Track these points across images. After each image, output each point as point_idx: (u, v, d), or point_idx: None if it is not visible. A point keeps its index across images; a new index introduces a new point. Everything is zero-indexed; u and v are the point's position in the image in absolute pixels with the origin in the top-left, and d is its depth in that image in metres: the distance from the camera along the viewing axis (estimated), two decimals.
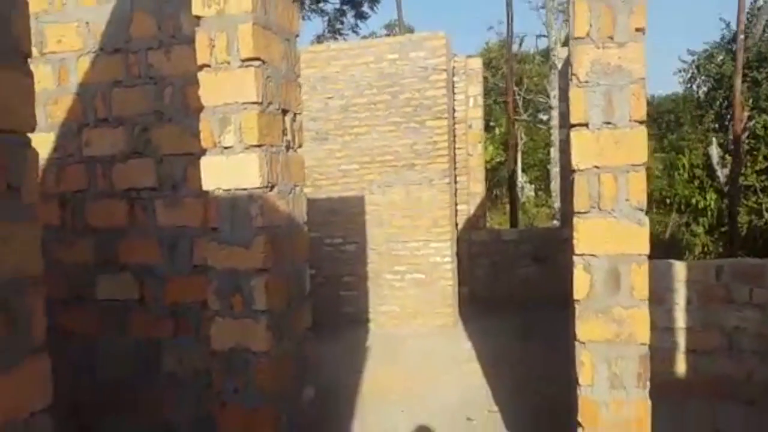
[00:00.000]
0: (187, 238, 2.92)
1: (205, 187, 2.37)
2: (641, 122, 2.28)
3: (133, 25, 2.91)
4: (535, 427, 3.96)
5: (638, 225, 2.27)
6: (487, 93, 18.44)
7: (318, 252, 6.81)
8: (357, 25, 26.93)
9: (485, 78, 17.04)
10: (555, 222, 14.06)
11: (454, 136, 7.85)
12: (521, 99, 20.30)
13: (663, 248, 10.84)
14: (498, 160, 19.07)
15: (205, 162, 2.37)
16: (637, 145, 2.27)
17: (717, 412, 4.13)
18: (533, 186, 21.36)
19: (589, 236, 2.32)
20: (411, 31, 22.51)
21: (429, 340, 6.18)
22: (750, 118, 11.59)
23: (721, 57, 12.07)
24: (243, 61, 2.28)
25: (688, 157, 12.78)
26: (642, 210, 2.29)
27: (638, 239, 2.27)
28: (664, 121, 17.21)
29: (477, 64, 8.20)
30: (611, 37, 2.28)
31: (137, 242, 3.01)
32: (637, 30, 2.26)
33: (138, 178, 2.98)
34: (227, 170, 2.32)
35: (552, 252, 7.61)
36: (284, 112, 2.51)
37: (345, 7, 27.15)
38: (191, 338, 2.96)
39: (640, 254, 2.28)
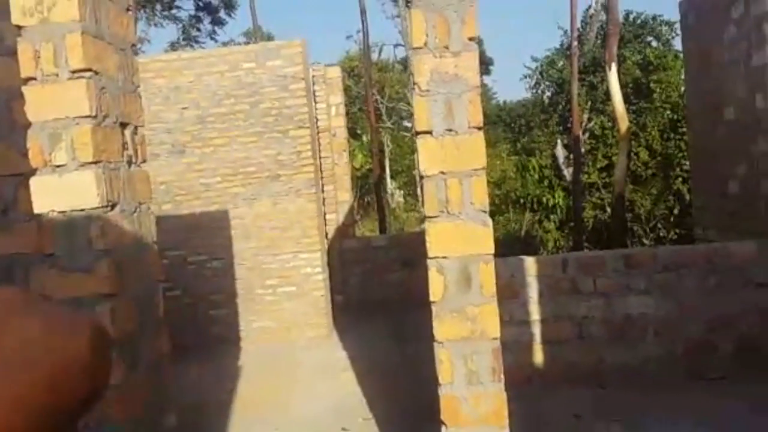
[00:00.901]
0: (21, 266, 2.67)
1: (37, 210, 2.18)
2: (479, 128, 2.41)
3: None
4: (409, 430, 4.05)
5: (483, 226, 2.40)
6: (351, 101, 18.70)
7: (182, 271, 6.52)
8: (215, 32, 26.15)
9: (348, 86, 17.24)
10: (423, 226, 14.52)
11: (319, 145, 7.86)
12: (384, 107, 20.80)
13: (520, 245, 11.57)
14: (368, 167, 19.37)
15: (35, 182, 2.18)
16: (476, 150, 2.40)
17: (574, 398, 4.45)
18: (402, 192, 21.92)
19: (440, 239, 2.41)
20: (270, 38, 22.27)
21: (304, 353, 6.12)
22: (589, 119, 12.72)
23: (561, 63, 13.14)
24: (73, 72, 2.13)
25: (537, 158, 13.76)
26: (485, 212, 2.42)
27: (484, 240, 2.40)
28: (516, 125, 18.37)
29: (336, 72, 8.29)
30: (447, 47, 2.39)
31: None
32: (470, 39, 2.39)
33: None
34: (61, 190, 2.15)
35: (420, 256, 7.82)
36: (123, 125, 2.37)
37: (200, 14, 26.27)
38: None
39: (486, 254, 2.40)
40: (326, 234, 7.71)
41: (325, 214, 7.71)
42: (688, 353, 4.60)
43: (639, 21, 13.42)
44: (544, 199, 13.14)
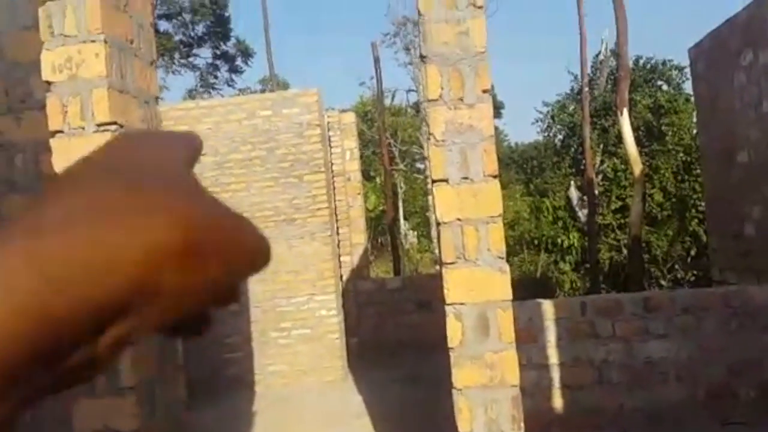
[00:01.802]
0: None
1: None
2: (494, 176, 2.45)
3: None
4: None
5: (500, 273, 2.41)
6: (365, 145, 18.93)
7: None
8: (232, 80, 26.73)
9: (361, 130, 17.49)
10: (437, 267, 14.48)
11: (334, 188, 7.95)
12: (397, 150, 21.02)
13: (535, 287, 11.47)
14: (381, 208, 19.48)
15: None
16: (492, 198, 2.43)
17: None
18: (415, 232, 21.95)
19: (458, 286, 2.42)
20: (285, 85, 22.78)
21: (319, 397, 6.06)
22: (602, 162, 12.75)
23: (572, 107, 13.25)
24: (99, 125, 2.21)
25: (551, 200, 13.75)
26: (502, 258, 2.43)
27: (501, 286, 2.41)
28: (528, 166, 18.44)
29: (350, 118, 8.44)
30: (461, 99, 2.45)
31: None
32: (484, 92, 2.45)
33: None
34: None
35: (435, 298, 7.79)
36: None
37: (218, 62, 26.90)
38: (48, 423, 2.72)
39: (504, 300, 2.41)
40: (341, 276, 7.72)
41: (339, 256, 7.74)
42: (710, 398, 4.51)
43: (649, 66, 13.57)
44: (559, 240, 13.07)
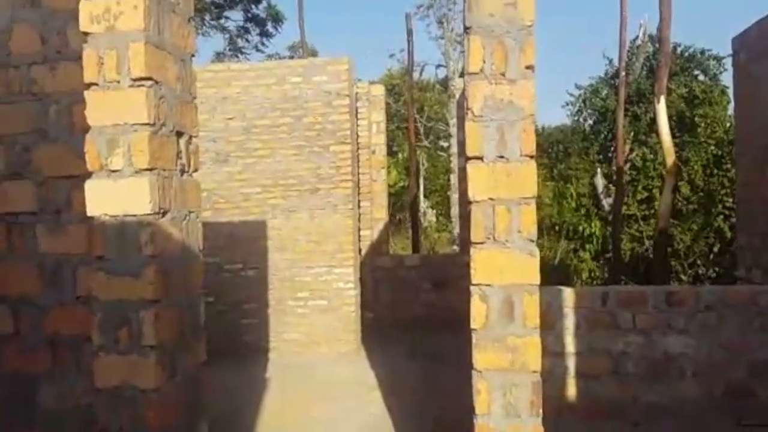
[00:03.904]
0: (70, 267, 2.72)
1: (90, 213, 2.22)
2: (531, 156, 2.38)
3: (13, 38, 2.71)
4: None
5: (530, 256, 2.36)
6: (389, 119, 18.77)
7: (217, 278, 6.58)
8: (262, 44, 26.58)
9: (387, 104, 17.34)
10: (455, 247, 14.44)
11: (358, 161, 7.90)
12: (422, 126, 20.84)
13: (553, 273, 11.39)
14: (401, 184, 19.40)
15: (90, 186, 2.22)
16: (527, 178, 2.37)
17: None
18: (435, 211, 21.86)
19: (485, 266, 2.38)
20: (314, 53, 22.59)
21: (332, 368, 6.10)
22: (631, 150, 12.51)
23: (605, 92, 12.98)
24: (134, 80, 2.18)
25: (575, 186, 13.57)
26: (533, 241, 2.38)
27: (530, 270, 2.36)
28: (553, 151, 18.16)
29: (379, 90, 8.34)
30: (503, 74, 2.38)
31: (14, 270, 2.77)
32: (527, 68, 2.37)
33: (17, 201, 2.76)
34: (115, 195, 2.19)
35: (452, 277, 7.78)
36: (179, 134, 2.41)
37: (249, 25, 26.74)
38: (72, 373, 2.75)
39: (531, 284, 2.36)
40: (359, 250, 7.71)
41: (359, 230, 7.72)
42: (727, 396, 4.44)
43: (687, 54, 13.20)
44: (581, 228, 12.92)
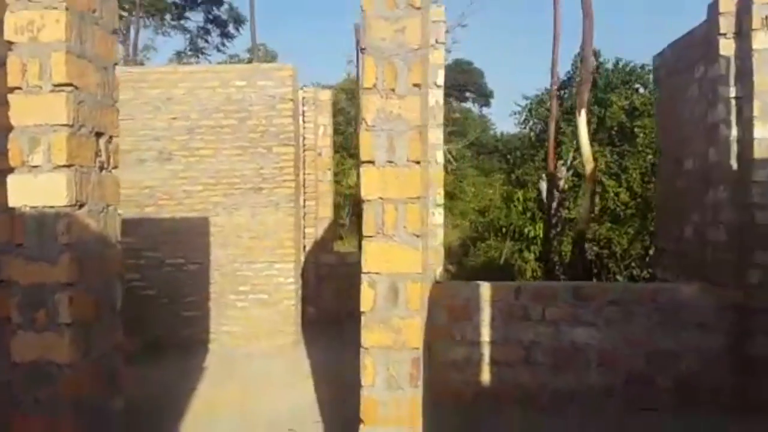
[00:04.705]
0: None
1: (11, 204, 2.45)
2: (417, 162, 2.70)
3: None
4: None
5: (413, 248, 2.68)
6: (348, 122, 19.06)
7: (159, 272, 6.78)
8: (223, 44, 26.58)
9: (343, 108, 17.58)
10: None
11: (304, 162, 8.18)
12: None
13: (498, 273, 11.83)
14: None
15: (12, 180, 2.45)
16: (413, 181, 2.69)
17: (513, 418, 4.69)
18: None
19: (375, 257, 2.69)
20: (273, 55, 22.77)
21: (270, 360, 6.35)
22: (574, 158, 13.05)
23: (550, 103, 13.47)
24: (55, 86, 2.42)
25: (524, 191, 14.07)
26: (417, 236, 2.70)
27: (413, 260, 2.68)
28: (512, 156, 18.66)
29: (326, 95, 8.64)
30: (393, 90, 2.70)
31: None
32: (414, 85, 2.69)
33: None
34: (35, 188, 2.43)
35: None
36: (98, 134, 2.65)
37: (209, 26, 26.68)
38: None
39: (415, 273, 2.68)
40: (304, 247, 7.98)
41: (304, 228, 7.99)
42: (628, 385, 4.85)
43: (628, 68, 13.85)
44: (526, 230, 13.42)
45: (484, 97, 38.39)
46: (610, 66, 14.08)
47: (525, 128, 15.29)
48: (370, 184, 2.70)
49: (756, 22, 4.64)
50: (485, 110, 38.30)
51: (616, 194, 12.26)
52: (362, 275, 2.69)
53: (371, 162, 2.71)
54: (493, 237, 13.94)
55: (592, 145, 12.61)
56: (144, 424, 4.59)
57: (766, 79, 4.65)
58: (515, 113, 14.88)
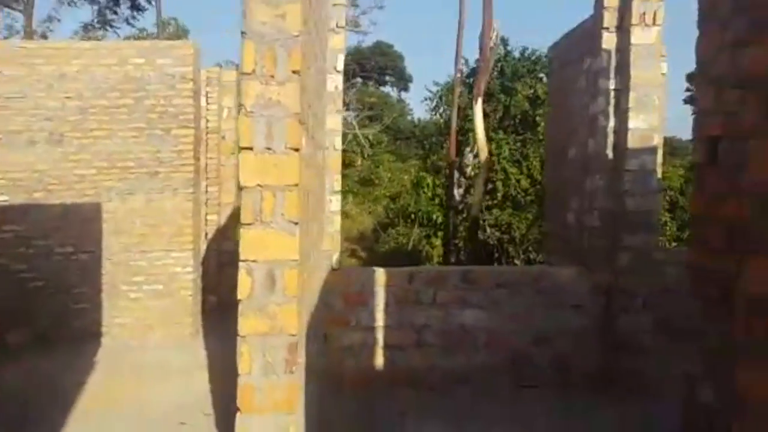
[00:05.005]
0: None
1: None
2: (296, 150, 2.73)
3: None
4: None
5: (290, 235, 2.71)
6: None
7: (48, 262, 6.46)
8: (134, 17, 25.44)
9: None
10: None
11: (207, 146, 7.99)
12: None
13: (406, 258, 12.08)
14: None
15: None
16: (291, 168, 2.71)
17: (406, 398, 4.85)
18: None
19: (252, 245, 2.70)
20: (185, 31, 21.98)
21: (165, 352, 6.20)
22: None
23: (459, 90, 13.81)
24: None
25: (432, 177, 14.38)
26: (295, 223, 2.73)
27: (290, 247, 2.71)
28: (428, 143, 18.97)
29: (231, 76, 8.45)
30: (273, 76, 2.70)
31: None
32: (294, 72, 2.71)
33: None
34: None
35: None
36: None
37: None
38: None
39: (292, 260, 2.71)
40: (206, 235, 7.83)
41: (206, 215, 7.83)
42: (511, 363, 5.13)
43: (533, 57, 14.36)
44: (434, 216, 13.76)
45: (403, 81, 38.64)
46: (517, 54, 14.54)
47: (435, 115, 15.57)
48: (249, 171, 2.70)
49: (635, 18, 4.96)
50: (404, 95, 38.62)
51: (518, 181, 12.77)
52: (240, 263, 2.70)
53: (250, 148, 2.71)
54: (402, 223, 14.19)
55: (497, 133, 13.12)
56: (30, 417, 4.41)
57: (642, 72, 4.99)
58: (426, 99, 15.12)
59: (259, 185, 2.71)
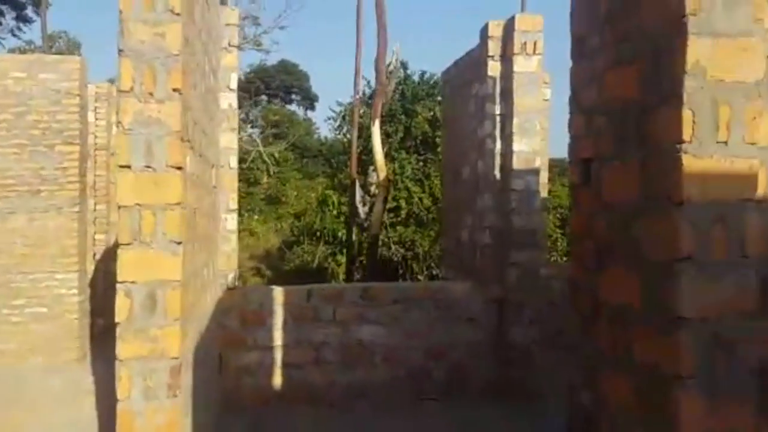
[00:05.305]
0: None
1: None
2: (178, 168, 2.69)
3: None
4: None
5: (172, 255, 2.66)
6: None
7: None
8: (19, 29, 24.05)
9: None
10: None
11: (95, 163, 7.65)
12: None
13: (311, 276, 12.03)
14: None
15: None
16: (172, 187, 2.67)
17: (304, 417, 4.82)
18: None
19: (130, 265, 2.63)
20: (77, 45, 21.01)
21: (49, 378, 5.83)
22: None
23: (361, 110, 14.03)
24: None
25: (337, 195, 14.45)
26: (178, 243, 2.68)
27: (173, 268, 2.66)
28: (335, 161, 19.02)
29: None
30: (152, 94, 2.66)
31: None
32: (174, 90, 2.68)
33: None
34: None
35: None
36: None
37: (3, 7, 24.00)
38: None
39: (174, 280, 2.66)
40: (94, 255, 7.46)
41: (94, 234, 7.48)
42: (410, 377, 5.23)
43: (432, 81, 14.86)
44: (340, 234, 13.80)
45: (309, 100, 38.66)
46: (416, 78, 14.97)
47: (339, 134, 15.70)
48: (126, 189, 2.64)
49: (517, 47, 5.26)
50: (310, 113, 38.61)
51: (420, 199, 13.09)
52: (117, 285, 2.62)
53: (128, 167, 2.64)
54: (308, 241, 14.13)
55: (399, 153, 13.40)
56: None
57: (524, 99, 5.29)
58: (329, 119, 15.24)
59: (137, 204, 2.65)
